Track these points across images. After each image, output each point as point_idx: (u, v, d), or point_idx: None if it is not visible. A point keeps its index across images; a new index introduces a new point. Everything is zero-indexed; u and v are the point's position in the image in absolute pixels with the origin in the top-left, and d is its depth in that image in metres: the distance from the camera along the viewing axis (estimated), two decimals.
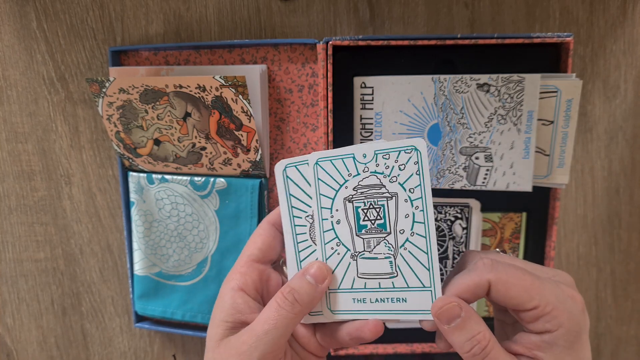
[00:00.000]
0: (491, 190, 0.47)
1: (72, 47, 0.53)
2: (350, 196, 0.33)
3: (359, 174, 0.33)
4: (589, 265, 0.57)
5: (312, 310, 0.34)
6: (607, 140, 0.54)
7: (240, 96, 0.45)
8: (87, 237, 0.57)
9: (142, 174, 0.52)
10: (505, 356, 0.29)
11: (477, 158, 0.46)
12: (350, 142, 0.48)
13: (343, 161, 0.33)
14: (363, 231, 0.33)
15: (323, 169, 0.34)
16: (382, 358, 0.54)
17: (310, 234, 0.34)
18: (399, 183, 0.32)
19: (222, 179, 0.51)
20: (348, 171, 0.33)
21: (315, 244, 0.34)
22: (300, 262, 0.35)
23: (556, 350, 0.29)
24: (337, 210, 0.33)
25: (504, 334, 0.35)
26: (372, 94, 0.47)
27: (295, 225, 0.35)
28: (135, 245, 0.54)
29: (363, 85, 0.47)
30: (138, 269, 0.54)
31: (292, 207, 0.34)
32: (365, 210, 0.33)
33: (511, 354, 0.30)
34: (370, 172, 0.33)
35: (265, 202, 0.51)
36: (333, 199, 0.33)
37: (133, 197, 0.53)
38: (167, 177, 0.52)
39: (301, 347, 0.35)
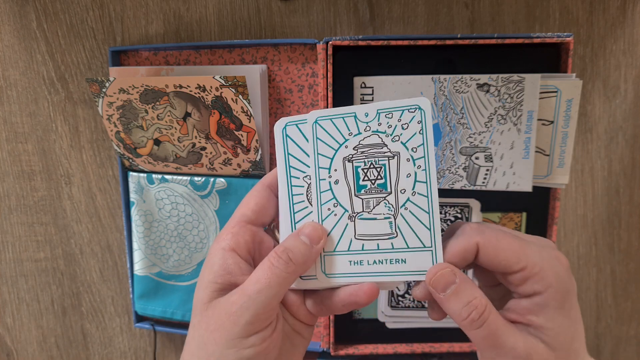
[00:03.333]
0: (491, 190, 0.47)
1: (72, 47, 0.53)
2: (350, 156, 0.32)
3: (360, 133, 0.32)
4: (589, 265, 0.57)
5: (305, 274, 0.32)
6: (607, 140, 0.54)
7: (240, 96, 0.45)
8: (87, 237, 0.57)
9: (142, 174, 0.52)
10: (503, 321, 0.29)
11: (477, 158, 0.46)
12: None
13: (344, 120, 0.32)
14: (362, 191, 0.32)
15: (322, 127, 0.32)
16: (382, 358, 0.54)
17: (307, 195, 0.33)
18: (402, 142, 0.31)
19: (222, 179, 0.51)
20: (349, 130, 0.32)
21: (312, 205, 0.33)
22: (295, 223, 0.33)
23: (548, 312, 0.29)
24: (335, 170, 0.32)
25: None
26: (372, 94, 0.47)
27: (292, 186, 0.33)
28: (135, 245, 0.54)
29: (363, 85, 0.47)
30: (138, 269, 0.54)
31: (290, 166, 0.33)
32: (365, 170, 0.32)
33: (507, 320, 0.30)
34: (372, 131, 0.32)
35: None
36: (332, 159, 0.32)
37: (133, 197, 0.53)
38: (167, 177, 0.52)
39: (290, 315, 0.34)
